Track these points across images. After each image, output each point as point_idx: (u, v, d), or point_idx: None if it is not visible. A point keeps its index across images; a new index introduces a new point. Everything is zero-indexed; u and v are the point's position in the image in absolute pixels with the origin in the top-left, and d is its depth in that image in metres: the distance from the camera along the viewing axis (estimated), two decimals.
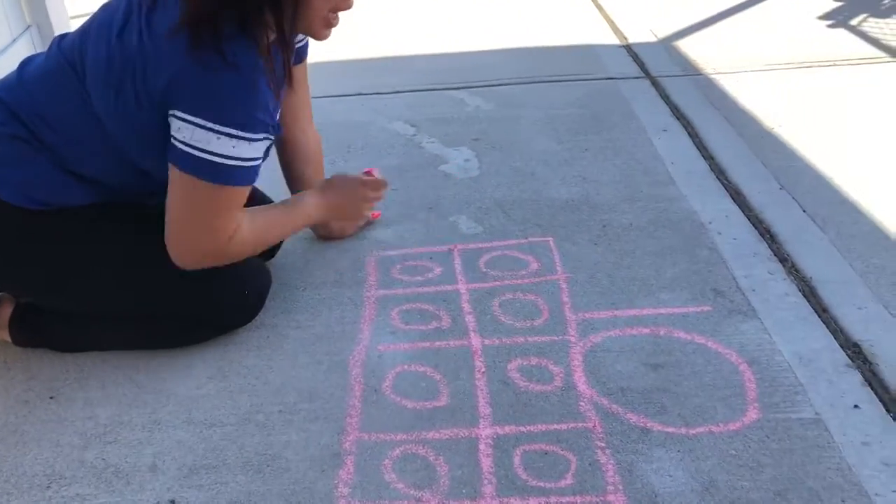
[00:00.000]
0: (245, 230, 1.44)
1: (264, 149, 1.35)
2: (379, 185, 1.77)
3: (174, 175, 1.32)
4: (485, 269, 1.75)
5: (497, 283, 1.71)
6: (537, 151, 2.28)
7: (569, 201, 2.01)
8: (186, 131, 1.25)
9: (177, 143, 1.28)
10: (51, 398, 1.43)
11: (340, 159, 2.27)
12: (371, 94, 2.76)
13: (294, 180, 1.76)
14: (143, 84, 1.28)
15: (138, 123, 1.32)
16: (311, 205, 1.63)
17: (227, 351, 1.52)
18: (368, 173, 1.75)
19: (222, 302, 1.51)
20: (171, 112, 1.27)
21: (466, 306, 1.64)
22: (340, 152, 2.31)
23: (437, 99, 2.69)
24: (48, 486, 1.25)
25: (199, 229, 1.38)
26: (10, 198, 1.38)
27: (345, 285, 1.71)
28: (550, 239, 1.85)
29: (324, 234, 1.83)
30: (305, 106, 1.73)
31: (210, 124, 1.25)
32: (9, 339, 1.53)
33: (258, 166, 1.35)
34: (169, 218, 1.37)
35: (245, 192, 1.37)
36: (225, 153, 1.27)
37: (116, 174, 1.42)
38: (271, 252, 1.74)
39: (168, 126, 1.29)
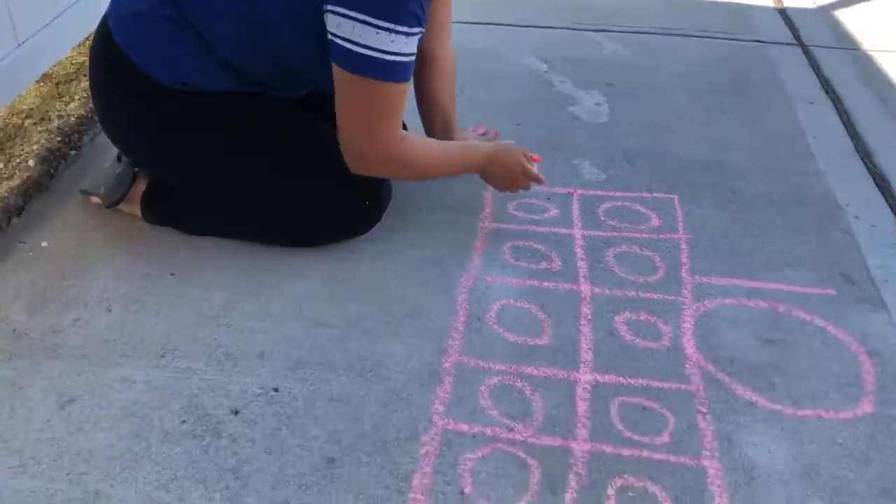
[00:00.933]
0: (417, 145, 1.48)
1: (417, 44, 1.34)
2: (534, 180, 1.63)
3: (339, 76, 1.34)
4: (603, 218, 1.72)
5: (614, 233, 1.67)
6: (672, 106, 2.20)
7: (699, 161, 1.93)
8: (346, 26, 1.26)
9: (338, 41, 1.29)
10: (171, 275, 1.50)
11: (469, 86, 2.24)
12: (507, 24, 2.70)
13: (426, 93, 1.74)
14: None
15: (292, 7, 1.34)
16: (478, 160, 1.59)
17: (342, 259, 1.55)
18: (536, 160, 1.65)
19: (343, 209, 1.54)
20: (327, 7, 1.27)
21: (580, 252, 1.61)
22: (470, 80, 2.28)
23: (574, 39, 2.62)
24: (163, 355, 1.32)
25: (367, 130, 1.40)
26: (158, 76, 1.43)
27: (461, 212, 1.71)
28: (675, 197, 1.79)
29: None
30: (447, 21, 1.70)
31: (369, 18, 1.24)
32: (139, 214, 1.61)
33: (413, 62, 1.35)
34: (339, 121, 1.40)
35: (405, 89, 1.37)
36: (385, 48, 1.27)
37: (259, 63, 1.44)
38: None
39: (320, 17, 1.29)
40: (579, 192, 1.80)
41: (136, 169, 1.61)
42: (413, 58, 1.34)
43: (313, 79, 1.48)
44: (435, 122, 1.72)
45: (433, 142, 1.58)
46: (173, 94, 1.45)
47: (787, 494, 1.12)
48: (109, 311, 1.41)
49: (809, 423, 1.24)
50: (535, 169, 1.62)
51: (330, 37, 1.30)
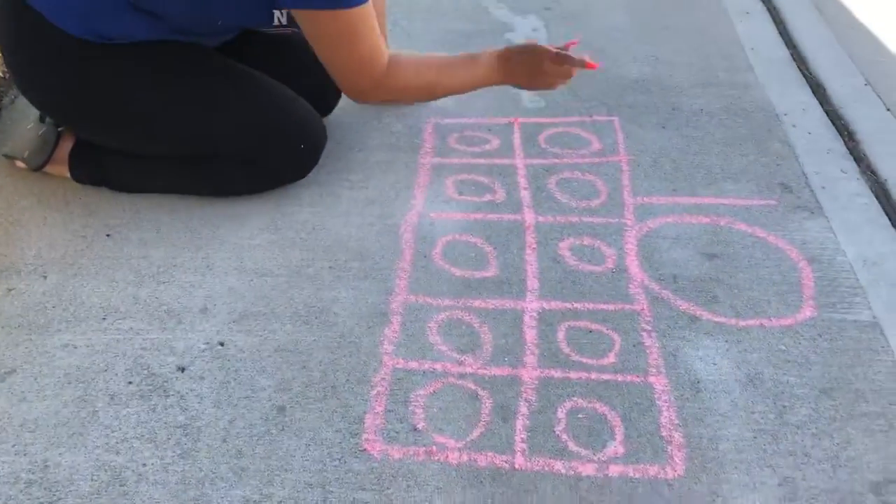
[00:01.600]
0: (409, 65, 1.47)
1: None
2: (566, 62, 1.51)
3: (299, 18, 1.33)
4: (544, 146, 1.70)
5: (556, 160, 1.66)
6: (610, 27, 2.17)
7: (639, 81, 1.92)
8: None
9: None
10: (107, 235, 1.46)
11: (404, 19, 2.19)
12: None
13: None
14: None
15: None
16: (488, 66, 1.53)
17: (280, 205, 1.52)
18: (568, 47, 1.54)
19: (277, 153, 1.50)
20: None
21: (522, 181, 1.60)
22: (405, 11, 2.22)
23: None
24: (104, 318, 1.29)
25: (349, 63, 1.39)
26: (74, 29, 1.36)
27: (400, 150, 1.68)
28: (615, 119, 1.78)
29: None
30: None
31: None
32: (68, 174, 1.55)
33: None
34: (323, 63, 1.41)
35: (369, 12, 1.35)
36: None
37: (178, 6, 1.38)
38: (328, 108, 1.71)
39: None
40: (520, 120, 1.78)
41: (59, 128, 1.55)
42: None
43: (234, 15, 1.42)
44: None
45: (432, 59, 1.53)
46: (88, 47, 1.38)
47: (731, 402, 1.15)
48: (45, 277, 1.37)
49: (752, 332, 1.27)
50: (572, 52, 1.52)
51: None
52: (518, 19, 2.21)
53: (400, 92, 1.53)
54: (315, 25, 1.34)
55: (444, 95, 1.62)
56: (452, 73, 1.53)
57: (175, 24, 1.41)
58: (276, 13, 1.37)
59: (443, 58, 1.54)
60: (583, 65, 1.50)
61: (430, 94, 1.60)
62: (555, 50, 1.50)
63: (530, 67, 1.52)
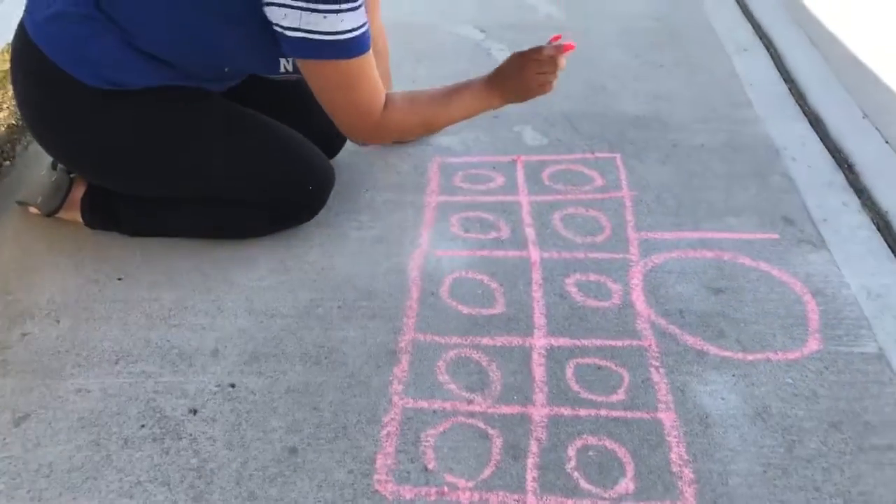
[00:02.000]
0: (404, 107, 1.47)
1: (363, 10, 1.32)
2: (550, 53, 1.47)
3: (304, 67, 1.35)
4: (548, 182, 1.73)
5: (560, 196, 1.68)
6: (609, 64, 2.21)
7: (639, 118, 1.95)
8: (293, 16, 1.23)
9: (289, 34, 1.26)
10: (119, 279, 1.48)
11: (407, 62, 2.23)
12: None
13: None
14: None
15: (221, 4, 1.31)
16: (481, 92, 1.53)
17: (290, 246, 1.54)
18: (554, 40, 1.50)
19: (285, 195, 1.53)
20: (266, 1, 1.25)
21: (527, 218, 1.62)
22: (406, 54, 2.26)
23: (507, 4, 2.61)
24: (116, 362, 1.31)
25: (349, 108, 1.41)
26: (81, 76, 1.39)
27: (406, 189, 1.71)
28: (617, 155, 1.81)
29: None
30: None
31: (311, 5, 1.23)
32: (80, 220, 1.58)
33: (369, 28, 1.34)
34: (324, 108, 1.43)
35: (370, 58, 1.36)
36: (338, 29, 1.26)
37: (185, 50, 1.41)
38: (334, 150, 1.74)
39: (254, 10, 1.27)
40: (523, 158, 1.81)
41: (71, 175, 1.57)
42: (367, 25, 1.33)
43: (242, 63, 1.45)
44: None
45: (424, 93, 1.53)
46: (100, 95, 1.41)
47: (740, 437, 1.16)
48: (58, 321, 1.39)
49: (759, 366, 1.28)
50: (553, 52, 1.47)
51: (279, 31, 1.27)
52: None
53: (398, 131, 1.55)
54: (317, 74, 1.36)
55: (444, 126, 1.66)
56: (447, 104, 1.52)
57: (181, 70, 1.44)
58: (283, 61, 1.41)
59: (436, 91, 1.54)
60: (560, 49, 1.47)
61: (428, 128, 1.62)
62: (530, 49, 1.50)
63: (518, 78, 1.51)
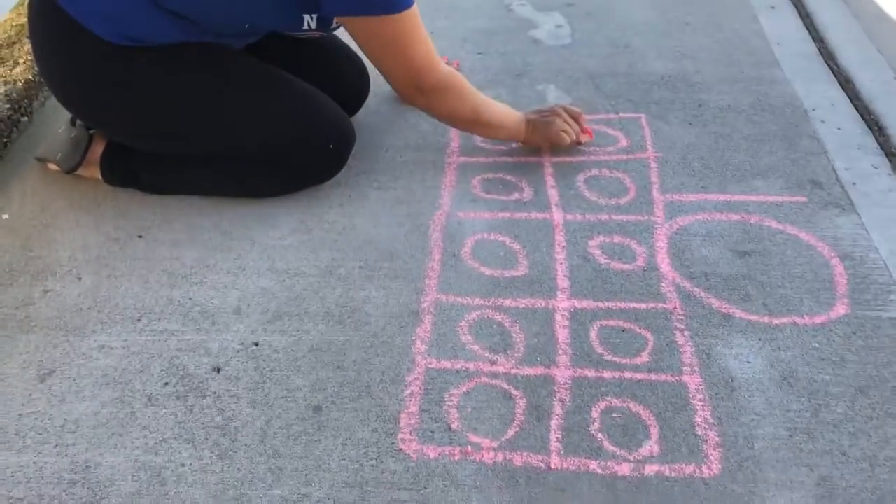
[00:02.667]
0: (462, 84, 1.50)
1: None
2: (576, 119, 1.66)
3: (350, 26, 1.35)
4: None
5: (583, 157, 1.66)
6: (635, 22, 2.16)
7: (665, 77, 1.91)
8: None
9: None
10: (139, 237, 1.47)
11: (427, 17, 2.18)
12: None
13: None
14: None
15: None
16: (520, 123, 1.61)
17: (310, 206, 1.53)
18: (587, 130, 1.67)
19: (305, 153, 1.51)
20: None
21: (550, 180, 1.60)
22: (427, 10, 2.22)
23: None
24: (139, 319, 1.31)
25: (403, 66, 1.41)
26: (102, 32, 1.37)
27: (427, 149, 1.69)
28: (642, 116, 1.77)
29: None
30: None
31: None
32: (100, 176, 1.57)
33: None
34: (380, 70, 1.45)
35: (417, 16, 1.38)
36: None
37: (210, 8, 1.39)
38: (355, 108, 1.72)
39: None
40: None
41: (91, 131, 1.56)
42: None
43: (265, 19, 1.43)
44: None
45: (477, 92, 1.57)
46: (120, 50, 1.39)
47: (766, 401, 1.15)
48: (80, 279, 1.39)
49: (785, 330, 1.26)
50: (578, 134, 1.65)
51: None
52: (541, 16, 2.20)
53: (453, 103, 1.52)
54: (366, 32, 1.36)
55: (482, 128, 1.62)
56: (493, 110, 1.57)
57: (202, 27, 1.42)
58: (307, 17, 1.38)
59: (493, 101, 1.59)
60: (580, 133, 1.65)
61: (475, 116, 1.56)
62: (567, 114, 1.64)
63: (547, 130, 1.61)
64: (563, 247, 1.43)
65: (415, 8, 1.36)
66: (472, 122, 1.57)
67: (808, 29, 2.11)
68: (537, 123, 1.61)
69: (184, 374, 1.21)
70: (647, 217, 1.49)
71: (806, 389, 1.17)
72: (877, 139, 1.68)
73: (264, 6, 1.36)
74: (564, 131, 1.61)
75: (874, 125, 1.72)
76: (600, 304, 1.31)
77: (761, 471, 1.06)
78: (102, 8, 1.37)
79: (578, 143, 1.65)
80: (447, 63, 1.91)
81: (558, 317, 1.29)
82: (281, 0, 1.31)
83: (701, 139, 1.69)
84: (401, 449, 1.09)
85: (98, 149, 1.55)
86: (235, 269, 1.39)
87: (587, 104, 1.81)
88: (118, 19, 1.38)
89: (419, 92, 1.47)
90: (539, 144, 1.66)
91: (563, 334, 1.26)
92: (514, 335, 1.26)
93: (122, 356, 1.24)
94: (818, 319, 1.28)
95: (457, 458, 1.08)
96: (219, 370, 1.22)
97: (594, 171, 1.61)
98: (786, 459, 1.07)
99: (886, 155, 1.63)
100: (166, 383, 1.20)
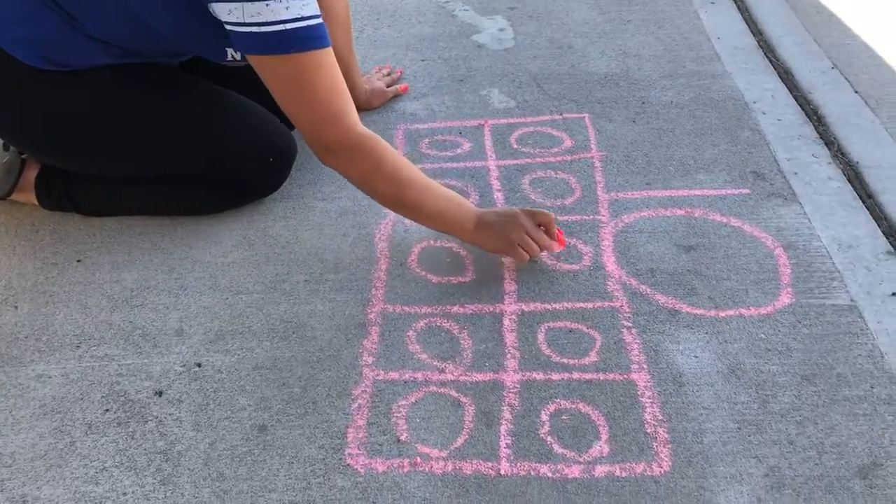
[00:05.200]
0: (388, 150, 1.29)
1: (316, 4, 1.23)
2: (549, 241, 1.37)
3: (259, 66, 1.23)
4: (516, 146, 1.70)
5: (528, 160, 1.66)
6: (576, 22, 2.17)
7: (607, 76, 1.92)
8: (237, 12, 1.17)
9: (238, 30, 1.19)
10: (78, 261, 1.44)
11: (369, 26, 2.18)
12: None
13: None
14: None
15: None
16: (469, 218, 1.34)
17: (253, 220, 1.51)
18: (559, 239, 1.39)
19: (247, 168, 1.48)
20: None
21: (496, 183, 1.60)
22: (370, 18, 2.21)
23: None
24: (78, 346, 1.27)
25: (308, 112, 1.26)
26: (26, 58, 1.34)
27: None
28: (586, 115, 1.78)
29: None
30: None
31: None
32: (35, 201, 1.53)
33: (323, 24, 1.23)
34: (289, 117, 1.29)
35: (331, 58, 1.24)
36: (283, 18, 1.17)
37: (133, 38, 1.36)
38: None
39: (200, 7, 1.22)
40: (490, 122, 1.77)
41: (23, 156, 1.52)
42: (319, 19, 1.22)
43: (190, 49, 1.41)
44: None
45: (410, 163, 1.33)
46: (48, 75, 1.36)
47: (714, 394, 1.15)
48: (16, 307, 1.35)
49: (732, 322, 1.27)
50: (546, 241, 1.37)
51: (229, 29, 1.20)
52: (484, 20, 2.20)
53: (367, 166, 1.30)
54: (269, 71, 1.23)
55: (409, 211, 1.36)
56: (427, 194, 1.32)
57: (128, 50, 1.39)
58: (230, 50, 1.35)
59: (424, 175, 1.34)
60: (557, 241, 1.38)
61: (396, 190, 1.32)
62: (536, 221, 1.36)
63: (500, 238, 1.34)
64: None
65: (327, 52, 1.22)
66: (395, 201, 1.33)
67: (747, 23, 2.14)
68: (492, 226, 1.34)
69: (125, 400, 1.18)
70: (592, 216, 1.49)
71: (753, 381, 1.17)
72: (816, 129, 1.70)
73: (188, 37, 1.33)
74: (522, 244, 1.34)
75: (813, 115, 1.74)
76: (547, 306, 1.31)
77: (711, 465, 1.05)
78: (23, 34, 1.33)
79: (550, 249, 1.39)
80: (389, 72, 1.91)
81: (506, 321, 1.29)
82: (204, 34, 1.27)
83: (644, 136, 1.70)
84: (348, 464, 1.07)
85: (31, 173, 1.52)
86: (177, 289, 1.37)
87: (531, 107, 1.81)
88: (40, 45, 1.34)
89: (326, 149, 1.28)
90: (491, 251, 1.38)
91: (510, 338, 1.25)
92: (462, 342, 1.25)
93: (61, 384, 1.21)
94: (764, 310, 1.29)
95: (406, 470, 1.07)
96: (161, 394, 1.19)
97: (539, 173, 1.61)
98: (735, 452, 1.07)
99: (825, 144, 1.65)
100: (107, 410, 1.17)
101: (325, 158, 1.30)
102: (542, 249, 1.36)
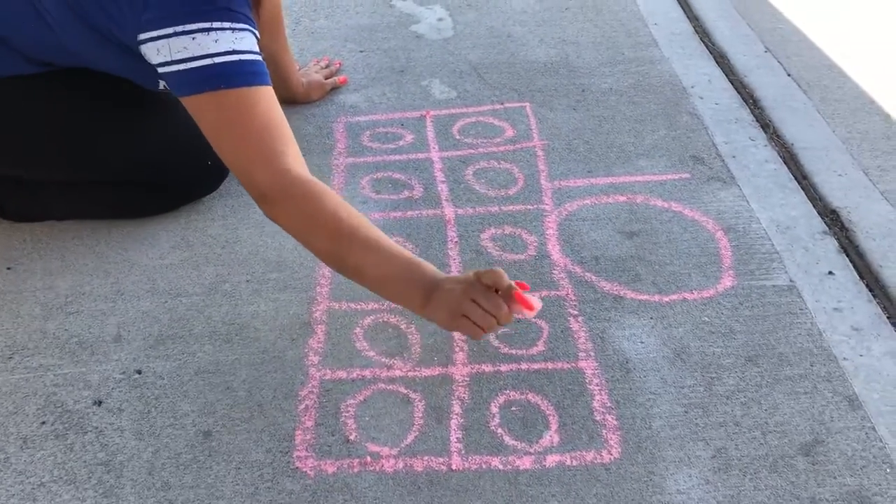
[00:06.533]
0: (333, 198, 1.14)
1: (254, 40, 1.17)
2: (505, 305, 1.11)
3: (191, 106, 1.15)
4: (458, 137, 1.69)
5: (471, 150, 1.65)
6: (515, 11, 2.17)
7: (547, 64, 1.92)
8: (164, 50, 1.11)
9: (168, 69, 1.12)
10: (8, 269, 1.38)
11: (306, 18, 2.14)
12: None
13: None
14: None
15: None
16: (421, 285, 1.13)
17: (191, 221, 1.47)
18: (521, 286, 1.12)
19: (183, 170, 1.44)
20: (140, 40, 1.14)
21: (439, 175, 1.58)
22: (307, 9, 2.17)
23: None
24: (10, 357, 1.22)
25: (239, 154, 1.14)
26: None
27: (312, 153, 1.64)
28: (527, 104, 1.78)
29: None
30: None
31: (178, 28, 1.10)
32: None
33: (261, 62, 1.16)
34: (220, 157, 1.18)
35: (268, 97, 1.14)
36: (209, 52, 1.10)
37: (62, 61, 1.32)
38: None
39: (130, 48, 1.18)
40: (432, 113, 1.76)
41: None
42: (256, 55, 1.15)
43: (123, 75, 1.35)
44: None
45: (358, 214, 1.16)
46: None
47: (661, 379, 1.16)
48: None
49: (676, 307, 1.28)
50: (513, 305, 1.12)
51: (161, 71, 1.14)
52: (422, 10, 2.18)
53: (304, 218, 1.14)
54: (198, 112, 1.15)
55: (352, 273, 1.16)
56: (377, 255, 1.13)
57: (59, 65, 1.34)
58: (162, 82, 1.29)
59: (374, 228, 1.16)
60: (520, 311, 1.12)
61: (335, 251, 1.14)
62: (491, 286, 1.12)
63: (455, 303, 1.11)
64: (456, 242, 1.42)
65: (263, 90, 1.13)
66: (333, 259, 1.16)
67: (682, 8, 2.16)
68: (441, 301, 1.12)
69: (62, 411, 1.14)
70: (536, 206, 1.49)
71: (698, 364, 1.18)
72: (752, 112, 1.73)
73: (122, 70, 1.29)
74: (470, 316, 1.10)
75: (749, 98, 1.77)
76: None
77: (659, 450, 1.06)
78: None
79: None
80: (328, 64, 1.87)
81: None
82: (139, 68, 1.21)
83: (585, 124, 1.70)
84: (297, 467, 1.05)
85: None
86: (113, 295, 1.32)
87: (473, 97, 1.81)
88: None
89: (262, 196, 1.14)
90: (440, 319, 1.14)
91: None
92: (409, 337, 1.24)
93: None
94: (706, 293, 1.30)
95: (356, 470, 1.05)
96: (100, 403, 1.15)
97: (482, 164, 1.60)
98: (682, 436, 1.08)
99: (761, 127, 1.68)
100: (43, 422, 1.12)
101: (262, 207, 1.16)
102: (496, 320, 1.11)
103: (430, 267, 1.15)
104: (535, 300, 1.11)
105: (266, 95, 1.14)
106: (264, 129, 1.13)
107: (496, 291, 1.11)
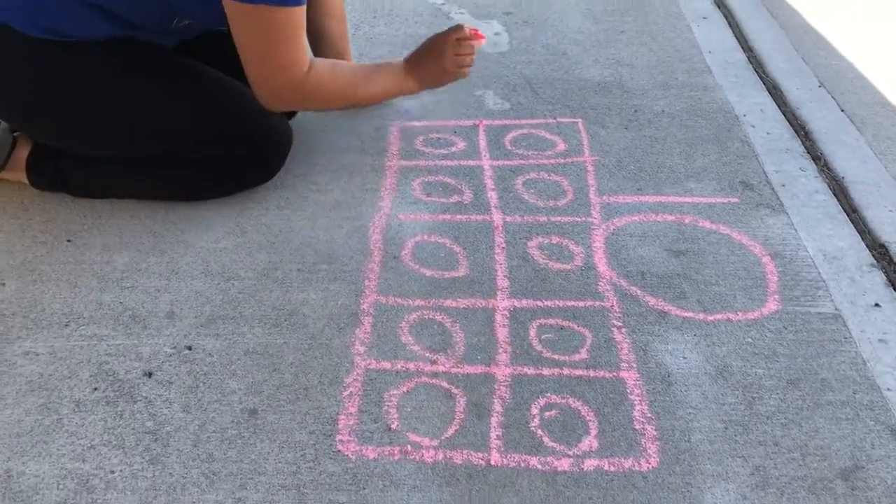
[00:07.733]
0: (326, 71, 1.46)
1: None
2: (468, 44, 1.59)
3: (231, 10, 1.31)
4: (510, 147, 1.71)
5: (522, 161, 1.67)
6: (571, 30, 2.19)
7: (601, 83, 1.94)
8: None
9: None
10: (68, 241, 1.43)
11: (365, 24, 2.19)
12: None
13: (318, 37, 1.69)
14: None
15: None
16: (401, 72, 1.58)
17: (246, 208, 1.51)
18: (474, 34, 1.58)
19: (242, 155, 1.48)
20: None
21: (489, 182, 1.61)
22: (367, 17, 2.22)
23: None
24: (66, 325, 1.26)
25: (268, 61, 1.37)
26: (24, 26, 1.33)
27: (366, 153, 1.68)
28: (579, 120, 1.80)
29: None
30: None
31: None
32: (26, 180, 1.51)
33: None
34: (242, 59, 1.38)
35: (301, 14, 1.34)
36: None
37: (133, 4, 1.36)
38: (292, 111, 1.70)
39: None
40: (485, 122, 1.79)
41: (15, 133, 1.51)
42: None
43: (190, 12, 1.40)
44: None
45: (344, 64, 1.57)
46: (43, 45, 1.35)
47: (702, 395, 1.16)
48: (3, 284, 1.33)
49: (720, 326, 1.28)
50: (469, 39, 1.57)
51: None
52: (479, 24, 2.22)
53: (320, 97, 1.50)
54: (242, 18, 1.32)
55: (361, 101, 1.64)
56: (367, 78, 1.54)
57: (129, 22, 1.38)
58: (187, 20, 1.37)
59: (356, 65, 1.58)
60: (470, 35, 1.57)
61: (348, 99, 1.57)
62: (450, 28, 1.57)
63: (436, 59, 1.57)
64: (503, 248, 1.44)
65: (296, 11, 1.32)
66: (346, 101, 1.57)
67: (738, 39, 2.18)
68: (421, 62, 1.57)
69: (114, 380, 1.17)
70: (584, 218, 1.51)
71: (740, 383, 1.19)
72: (803, 143, 1.73)
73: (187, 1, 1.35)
74: (461, 62, 1.58)
75: (801, 130, 1.78)
76: (539, 303, 1.32)
77: (698, 463, 1.07)
78: (23, 3, 1.32)
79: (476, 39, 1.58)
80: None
81: (498, 316, 1.29)
82: None
83: (636, 143, 1.72)
84: (339, 450, 1.07)
85: (23, 152, 1.50)
86: (168, 273, 1.36)
87: (526, 109, 1.83)
88: (37, 10, 1.33)
89: (282, 89, 1.42)
90: (436, 86, 1.64)
91: (502, 333, 1.26)
92: (454, 335, 1.26)
93: (49, 362, 1.20)
94: (751, 315, 1.31)
95: (396, 457, 1.07)
96: (150, 375, 1.18)
97: (533, 175, 1.63)
98: (721, 451, 1.09)
99: (812, 158, 1.68)
100: (95, 389, 1.16)
101: (274, 103, 1.45)
102: (472, 54, 1.56)
103: (396, 60, 1.58)
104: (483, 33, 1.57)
105: (297, 18, 1.33)
106: (295, 47, 1.36)
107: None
